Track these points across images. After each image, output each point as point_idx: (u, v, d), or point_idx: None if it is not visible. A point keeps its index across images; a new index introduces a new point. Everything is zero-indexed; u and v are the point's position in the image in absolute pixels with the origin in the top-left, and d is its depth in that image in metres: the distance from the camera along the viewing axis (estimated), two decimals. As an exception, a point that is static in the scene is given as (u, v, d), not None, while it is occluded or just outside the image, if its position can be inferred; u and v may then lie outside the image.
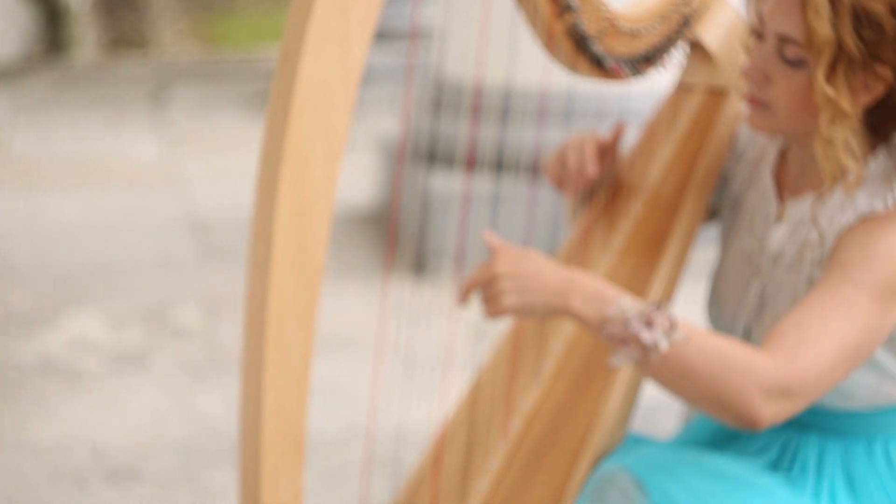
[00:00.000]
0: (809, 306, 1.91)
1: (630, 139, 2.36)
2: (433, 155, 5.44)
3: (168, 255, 5.87)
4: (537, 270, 1.91)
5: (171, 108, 9.19)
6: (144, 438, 3.92)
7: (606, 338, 1.86)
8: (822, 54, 1.92)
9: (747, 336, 2.13)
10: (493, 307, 1.89)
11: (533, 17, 2.03)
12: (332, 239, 6.14)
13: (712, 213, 2.31)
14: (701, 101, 2.33)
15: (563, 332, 2.16)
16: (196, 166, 7.43)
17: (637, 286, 2.14)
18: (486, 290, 1.90)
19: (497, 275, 1.89)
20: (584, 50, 2.08)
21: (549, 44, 2.05)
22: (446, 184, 5.29)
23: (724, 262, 2.21)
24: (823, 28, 1.91)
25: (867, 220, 1.95)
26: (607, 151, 2.30)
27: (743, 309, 2.14)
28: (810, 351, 1.87)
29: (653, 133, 2.33)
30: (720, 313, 2.19)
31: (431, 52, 5.61)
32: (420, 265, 5.35)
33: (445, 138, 5.34)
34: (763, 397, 1.85)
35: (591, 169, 2.25)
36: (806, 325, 1.89)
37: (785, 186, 2.14)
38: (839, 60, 1.92)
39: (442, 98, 5.44)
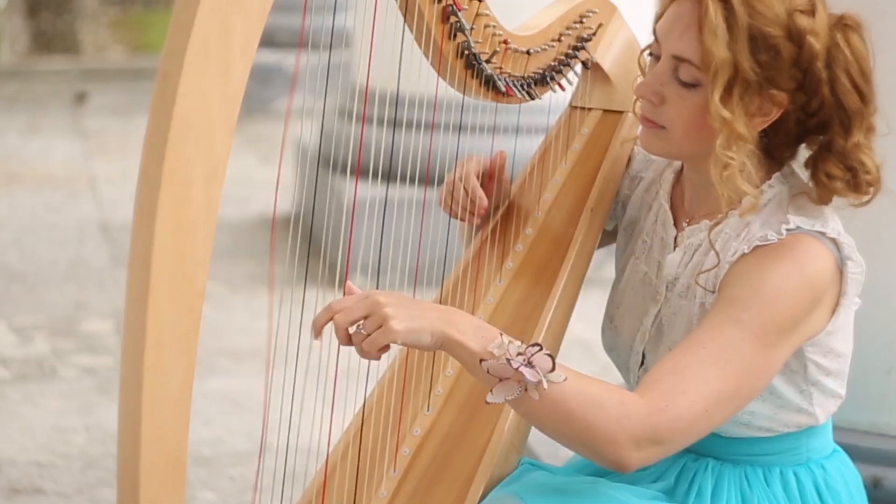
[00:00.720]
0: (690, 348, 1.88)
1: (528, 152, 2.33)
2: (347, 163, 5.40)
3: (80, 261, 5.78)
4: (416, 302, 1.86)
5: (91, 111, 9.08)
6: (48, 454, 3.84)
7: (485, 372, 1.81)
8: (718, 76, 1.90)
9: (642, 362, 2.11)
10: (382, 335, 1.80)
11: (425, 38, 2.00)
12: (254, 247, 6.03)
13: (610, 234, 2.29)
14: (597, 121, 2.31)
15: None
16: (113, 170, 7.33)
17: (528, 312, 2.11)
18: (370, 320, 1.82)
19: (380, 302, 1.82)
20: (475, 71, 2.05)
21: (440, 65, 2.02)
22: (362, 192, 5.24)
23: (621, 287, 2.19)
24: (719, 50, 1.89)
25: (759, 249, 1.93)
26: (493, 179, 2.27)
27: (639, 335, 2.12)
28: (684, 398, 1.84)
29: (547, 153, 2.31)
30: (616, 338, 2.17)
31: (353, 60, 5.57)
32: (336, 274, 5.29)
33: (362, 146, 5.29)
34: (633, 445, 1.83)
35: (482, 205, 2.22)
36: (683, 370, 1.86)
37: (681, 211, 2.12)
38: (735, 83, 1.90)
39: (355, 106, 5.41)
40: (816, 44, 1.92)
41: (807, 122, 1.98)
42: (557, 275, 2.12)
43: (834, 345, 1.99)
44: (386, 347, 1.83)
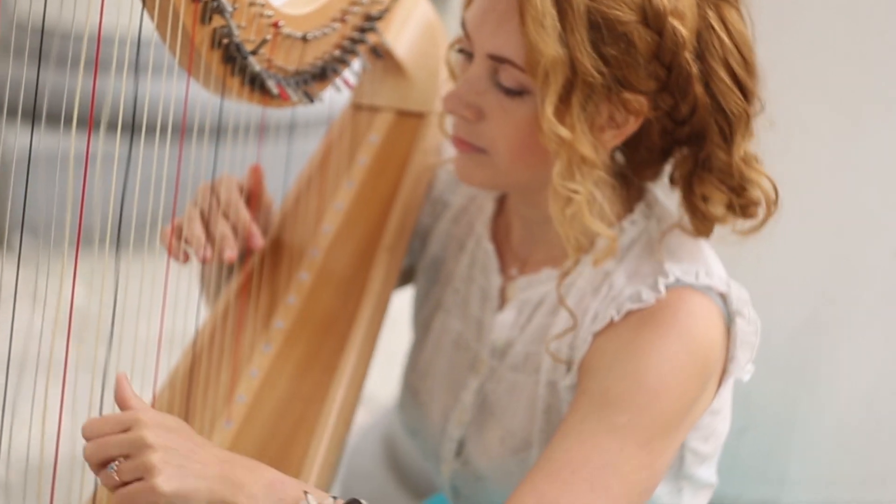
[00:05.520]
0: (557, 474, 1.38)
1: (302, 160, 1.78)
2: (11, 106, 4.72)
3: None
4: (194, 446, 1.29)
5: None
6: None
7: None
8: (550, 81, 1.38)
9: (459, 451, 1.61)
10: (143, 494, 1.26)
11: (171, 21, 1.40)
12: None
13: (406, 274, 1.76)
14: (389, 126, 1.77)
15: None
16: None
17: (309, 391, 1.57)
18: (130, 463, 1.27)
19: (148, 445, 1.27)
20: (237, 67, 1.48)
21: (189, 58, 1.44)
22: (25, 141, 4.60)
23: (427, 351, 1.67)
24: (549, 45, 1.37)
25: (632, 317, 1.45)
26: (252, 201, 1.67)
27: (455, 415, 1.61)
28: None
29: (324, 168, 1.75)
30: (423, 419, 1.66)
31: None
32: (3, 236, 4.68)
33: (25, 86, 4.63)
34: None
35: (257, 242, 1.64)
36: None
37: (508, 253, 1.62)
38: (573, 89, 1.39)
39: (20, 41, 4.75)
40: (682, 28, 1.41)
41: (676, 133, 1.48)
42: (347, 337, 1.59)
43: (717, 425, 1.55)
44: None
